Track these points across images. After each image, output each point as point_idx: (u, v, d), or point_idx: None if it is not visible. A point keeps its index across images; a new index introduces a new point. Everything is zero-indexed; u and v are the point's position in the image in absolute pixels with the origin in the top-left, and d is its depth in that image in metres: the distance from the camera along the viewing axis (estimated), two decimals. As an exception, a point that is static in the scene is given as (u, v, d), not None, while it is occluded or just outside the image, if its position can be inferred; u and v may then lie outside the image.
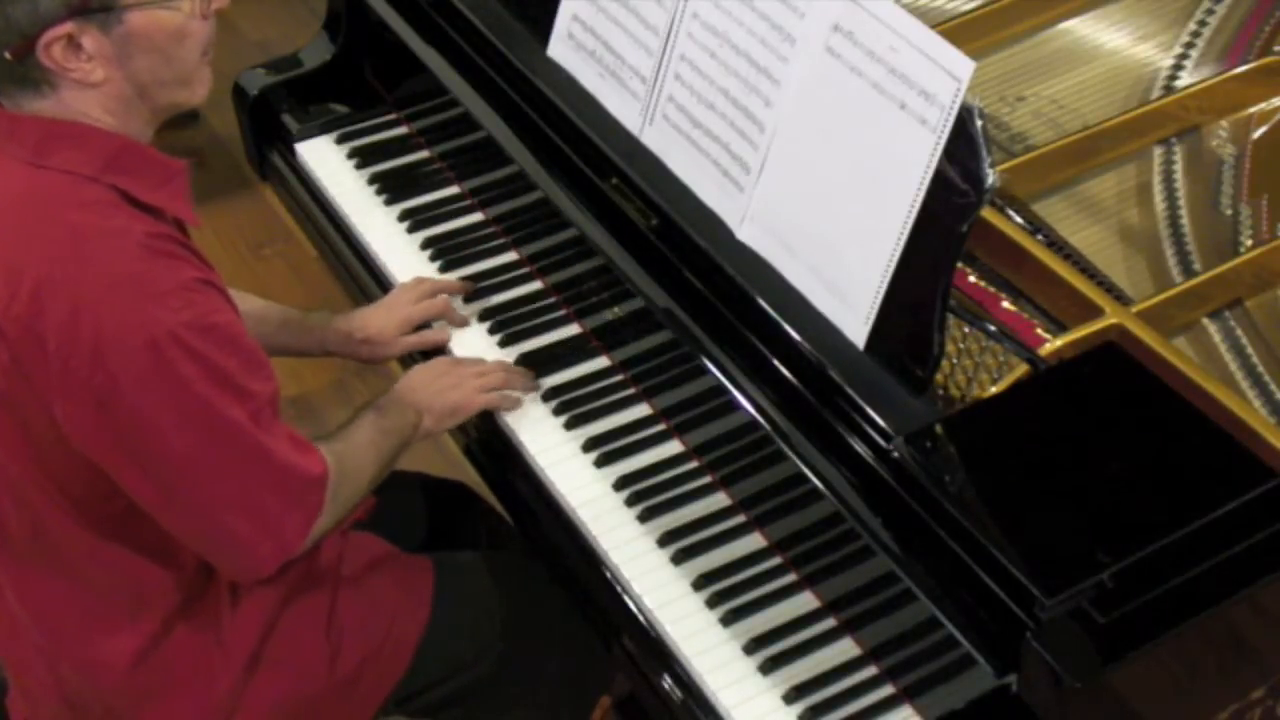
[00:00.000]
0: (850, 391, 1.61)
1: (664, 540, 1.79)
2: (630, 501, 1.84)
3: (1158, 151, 2.00)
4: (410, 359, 2.07)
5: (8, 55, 1.49)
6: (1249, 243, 1.86)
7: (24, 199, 1.55)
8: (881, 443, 1.57)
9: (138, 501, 1.60)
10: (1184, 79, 2.06)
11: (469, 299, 2.10)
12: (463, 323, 2.07)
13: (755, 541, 1.78)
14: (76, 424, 1.53)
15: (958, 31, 2.07)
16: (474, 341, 2.06)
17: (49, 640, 1.74)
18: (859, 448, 1.59)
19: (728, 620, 1.71)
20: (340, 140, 2.38)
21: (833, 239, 1.66)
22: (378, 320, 2.04)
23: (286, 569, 1.70)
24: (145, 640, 1.72)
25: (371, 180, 2.31)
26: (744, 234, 1.77)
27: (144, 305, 1.50)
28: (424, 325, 2.06)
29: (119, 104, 1.57)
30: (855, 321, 1.64)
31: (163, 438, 1.54)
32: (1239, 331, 1.78)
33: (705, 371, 1.77)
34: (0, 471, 1.62)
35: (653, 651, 1.72)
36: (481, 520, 2.17)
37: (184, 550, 1.69)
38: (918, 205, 1.56)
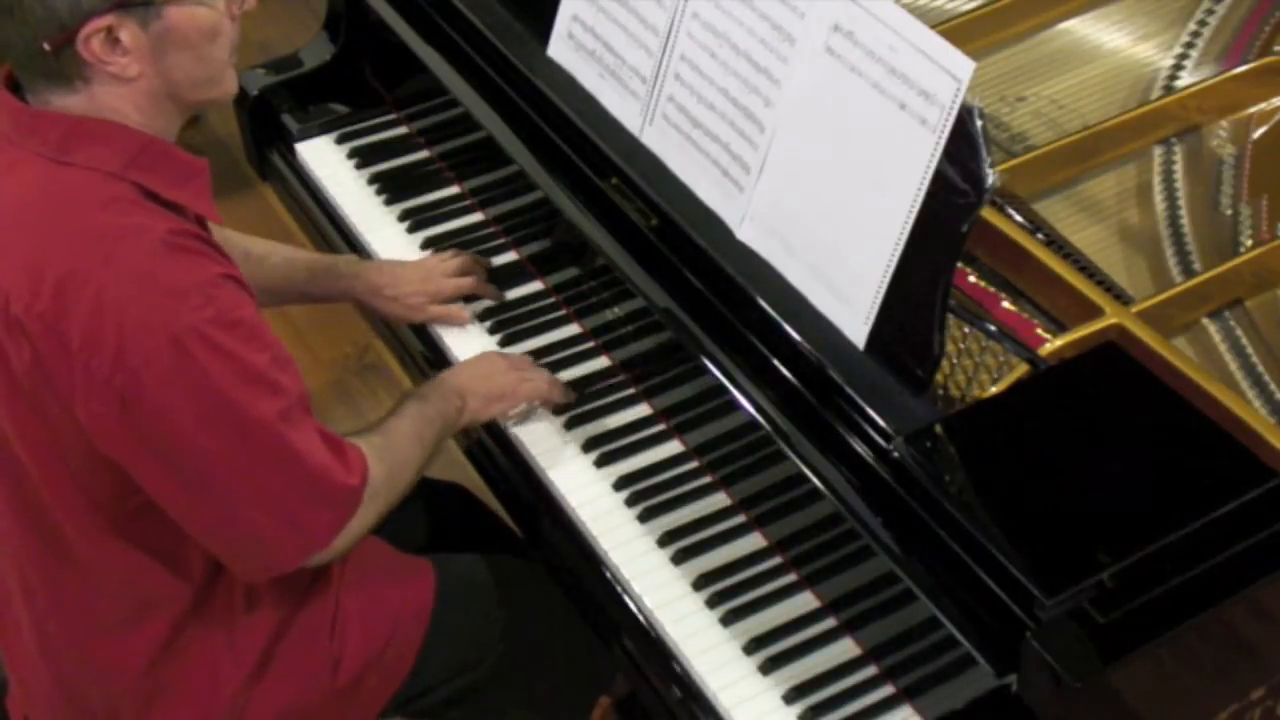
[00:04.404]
0: (850, 391, 1.61)
1: (664, 540, 1.79)
2: (630, 501, 1.84)
3: (1158, 151, 2.00)
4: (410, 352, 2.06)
5: (46, 46, 1.49)
6: (1249, 243, 1.86)
7: (47, 196, 1.54)
8: (881, 443, 1.57)
9: (158, 500, 1.59)
10: (1184, 79, 2.06)
11: (469, 299, 2.10)
12: (497, 297, 2.10)
13: (755, 541, 1.78)
14: (99, 423, 1.52)
15: (958, 31, 2.07)
16: (474, 342, 2.06)
17: (53, 639, 1.73)
18: (859, 448, 1.59)
19: (728, 620, 1.71)
20: (340, 140, 2.38)
21: (833, 239, 1.66)
22: (412, 283, 2.07)
23: (299, 571, 1.69)
24: (158, 644, 1.71)
25: (371, 180, 2.31)
26: (744, 234, 1.77)
27: (166, 302, 1.49)
28: None
29: (149, 101, 1.57)
30: (855, 321, 1.64)
31: (186, 435, 1.53)
32: (1239, 331, 1.78)
33: (705, 371, 1.77)
34: (20, 469, 1.61)
35: (653, 651, 1.72)
36: (481, 522, 2.17)
37: (193, 555, 1.68)
38: (918, 205, 1.56)
